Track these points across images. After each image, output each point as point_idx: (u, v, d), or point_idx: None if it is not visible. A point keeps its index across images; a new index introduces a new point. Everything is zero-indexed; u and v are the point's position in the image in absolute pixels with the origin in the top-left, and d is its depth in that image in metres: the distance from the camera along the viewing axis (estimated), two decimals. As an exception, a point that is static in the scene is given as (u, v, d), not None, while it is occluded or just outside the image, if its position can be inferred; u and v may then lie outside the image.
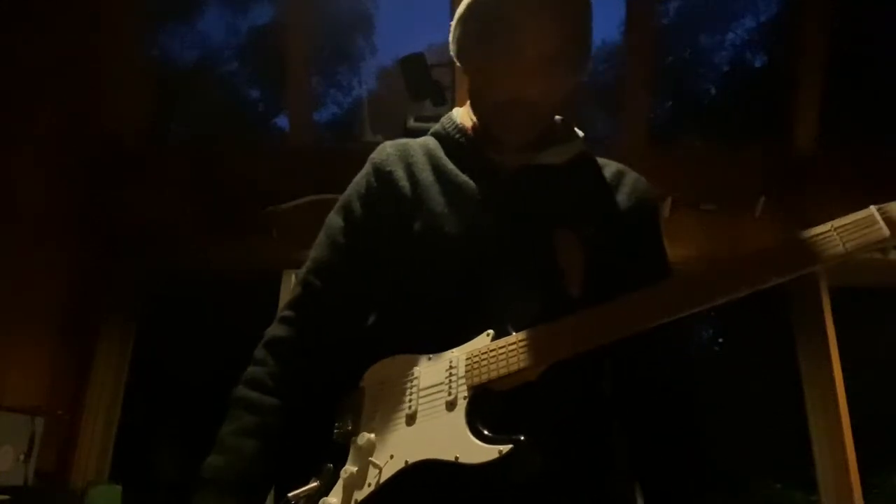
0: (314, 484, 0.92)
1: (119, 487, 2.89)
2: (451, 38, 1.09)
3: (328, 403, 1.00)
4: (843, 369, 3.05)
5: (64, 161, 3.23)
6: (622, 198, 1.07)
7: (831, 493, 2.89)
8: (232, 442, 0.96)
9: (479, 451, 0.81)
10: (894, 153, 3.29)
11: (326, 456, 0.95)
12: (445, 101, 2.88)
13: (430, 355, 0.94)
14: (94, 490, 2.83)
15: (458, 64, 1.10)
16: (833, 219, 0.79)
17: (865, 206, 0.80)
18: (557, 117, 1.15)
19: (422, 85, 2.89)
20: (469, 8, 1.05)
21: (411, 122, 2.90)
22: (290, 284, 3.05)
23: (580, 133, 1.14)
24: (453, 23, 1.08)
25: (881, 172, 3.14)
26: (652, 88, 3.51)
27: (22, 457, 2.71)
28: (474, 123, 1.11)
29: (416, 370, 0.94)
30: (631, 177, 1.11)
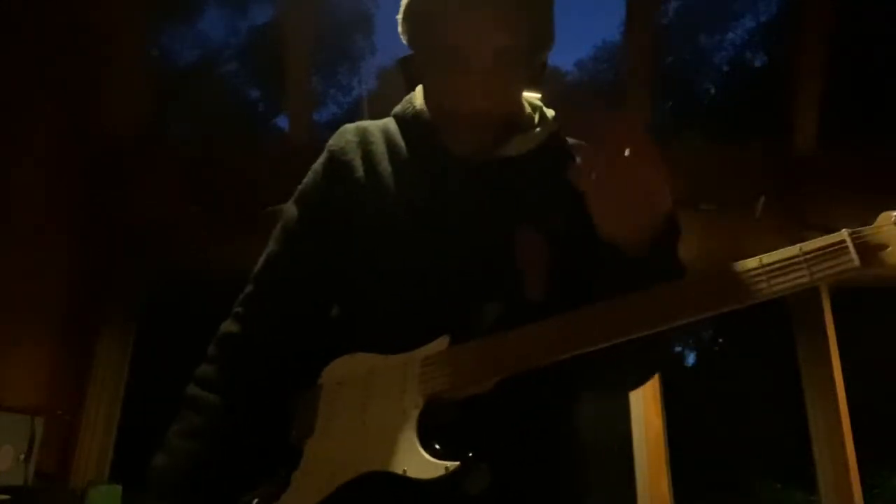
0: (265, 488, 0.89)
1: (119, 487, 2.89)
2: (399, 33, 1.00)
3: (285, 402, 0.96)
4: (843, 369, 3.05)
5: (64, 161, 3.23)
6: None
7: (831, 493, 2.89)
8: (175, 442, 0.93)
9: (427, 467, 0.78)
10: (894, 153, 3.29)
11: (281, 457, 0.90)
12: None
13: (389, 356, 0.88)
14: (94, 490, 2.83)
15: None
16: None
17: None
18: (528, 95, 1.04)
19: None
20: (407, 6, 0.96)
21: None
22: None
23: (550, 113, 1.03)
24: (398, 16, 0.98)
25: (881, 172, 3.14)
26: (652, 88, 3.51)
27: (22, 457, 2.71)
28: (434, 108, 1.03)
29: (374, 372, 0.89)
30: None
